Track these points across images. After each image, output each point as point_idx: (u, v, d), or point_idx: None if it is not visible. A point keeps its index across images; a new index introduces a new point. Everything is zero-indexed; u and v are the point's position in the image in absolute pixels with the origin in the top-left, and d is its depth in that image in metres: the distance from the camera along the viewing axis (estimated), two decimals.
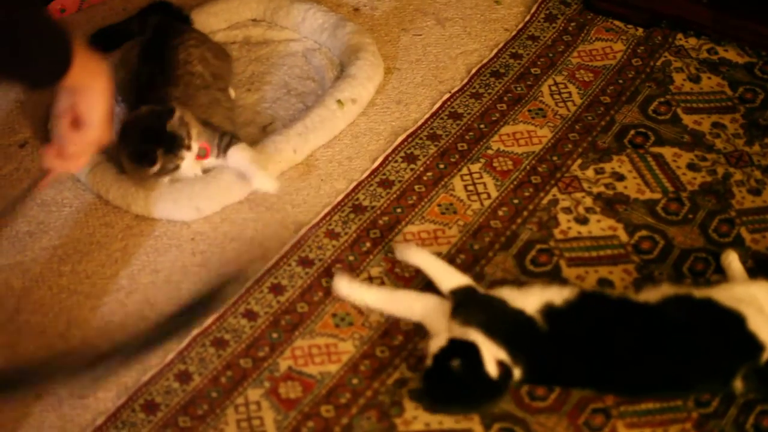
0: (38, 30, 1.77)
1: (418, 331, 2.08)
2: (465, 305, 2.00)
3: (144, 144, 2.22)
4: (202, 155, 2.26)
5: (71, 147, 1.90)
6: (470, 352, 1.91)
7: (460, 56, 2.64)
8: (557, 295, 1.98)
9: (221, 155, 2.29)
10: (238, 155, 2.29)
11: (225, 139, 2.29)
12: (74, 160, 1.94)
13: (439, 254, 2.19)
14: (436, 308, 2.05)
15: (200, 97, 2.35)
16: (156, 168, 2.21)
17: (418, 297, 2.10)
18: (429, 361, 1.93)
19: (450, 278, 2.06)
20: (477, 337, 1.92)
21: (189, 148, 2.23)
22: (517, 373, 1.93)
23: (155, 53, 2.42)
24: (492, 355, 1.91)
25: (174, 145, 2.22)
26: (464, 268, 2.17)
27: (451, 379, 1.90)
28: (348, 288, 2.12)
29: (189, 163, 2.25)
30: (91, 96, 1.86)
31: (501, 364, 1.91)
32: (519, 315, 1.96)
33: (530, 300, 1.97)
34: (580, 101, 2.52)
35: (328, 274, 2.17)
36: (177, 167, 2.25)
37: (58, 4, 2.70)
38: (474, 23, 2.73)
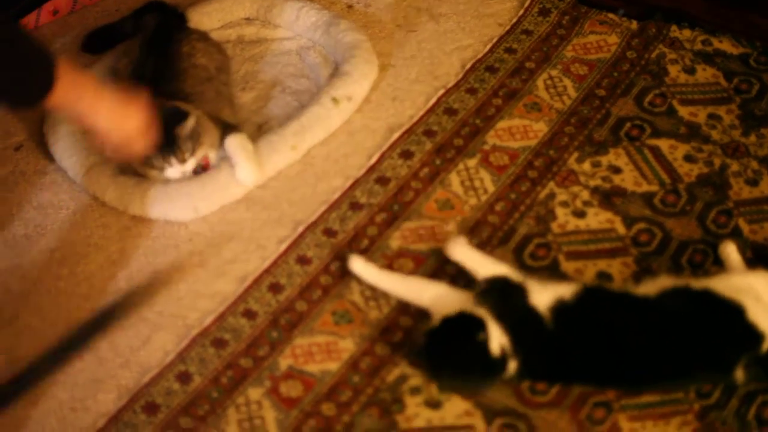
0: (17, 48, 1.77)
1: (417, 329, 2.07)
2: (489, 290, 2.01)
3: None
4: (198, 171, 2.27)
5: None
6: (479, 324, 1.91)
7: (454, 52, 2.64)
8: (567, 290, 1.99)
9: (221, 147, 2.30)
10: (233, 142, 2.29)
11: (227, 131, 2.30)
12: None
13: (437, 250, 2.19)
14: (445, 297, 2.05)
15: (208, 91, 2.36)
16: None
17: (428, 284, 2.11)
18: (435, 322, 1.94)
19: (488, 267, 2.06)
20: (488, 317, 1.93)
21: (183, 161, 2.24)
22: (512, 365, 1.93)
23: (159, 45, 2.41)
24: (497, 336, 1.91)
25: (167, 150, 2.22)
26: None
27: (453, 343, 1.91)
28: (362, 267, 2.13)
29: (176, 174, 2.26)
30: (94, 112, 1.96)
31: (503, 350, 1.91)
32: (531, 311, 1.96)
33: (545, 296, 1.97)
34: (575, 95, 2.52)
35: (327, 272, 2.17)
36: (162, 169, 2.26)
37: (50, 5, 2.69)
38: (468, 18, 2.72)
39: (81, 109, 1.95)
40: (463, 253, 2.12)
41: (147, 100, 2.10)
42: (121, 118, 2.03)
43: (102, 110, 1.99)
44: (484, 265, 2.07)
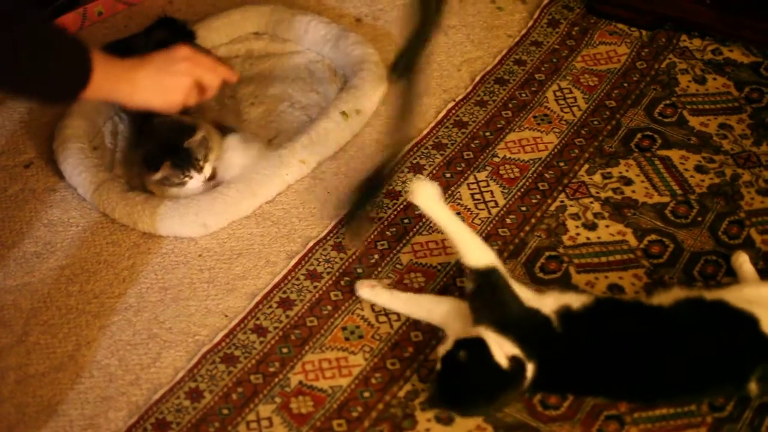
0: (51, 44, 1.79)
1: (429, 343, 2.07)
2: (480, 298, 1.98)
3: (157, 150, 2.24)
4: (211, 179, 2.27)
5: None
6: (476, 345, 1.90)
7: (463, 64, 2.63)
8: (574, 300, 1.97)
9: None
10: (228, 140, 2.33)
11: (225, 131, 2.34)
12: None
13: (447, 264, 2.19)
14: (455, 311, 2.05)
15: (208, 102, 2.35)
16: (157, 176, 2.24)
17: (438, 301, 2.10)
18: (438, 365, 1.92)
19: (476, 254, 2.01)
20: (486, 333, 1.91)
21: (200, 170, 2.25)
22: (531, 367, 1.91)
23: None
24: (503, 349, 1.89)
25: (184, 162, 2.22)
26: None
27: (461, 375, 1.89)
28: (370, 293, 2.12)
29: (197, 184, 2.26)
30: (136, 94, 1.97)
31: (514, 358, 1.90)
32: (535, 314, 1.95)
33: (547, 301, 1.96)
34: (585, 106, 2.51)
35: (337, 287, 2.17)
36: (183, 184, 2.25)
37: (59, 22, 2.69)
38: (477, 30, 2.72)
39: (120, 97, 1.96)
40: (446, 217, 2.04)
41: (186, 50, 2.06)
42: (166, 92, 2.01)
43: (143, 93, 1.97)
44: (471, 248, 2.01)
